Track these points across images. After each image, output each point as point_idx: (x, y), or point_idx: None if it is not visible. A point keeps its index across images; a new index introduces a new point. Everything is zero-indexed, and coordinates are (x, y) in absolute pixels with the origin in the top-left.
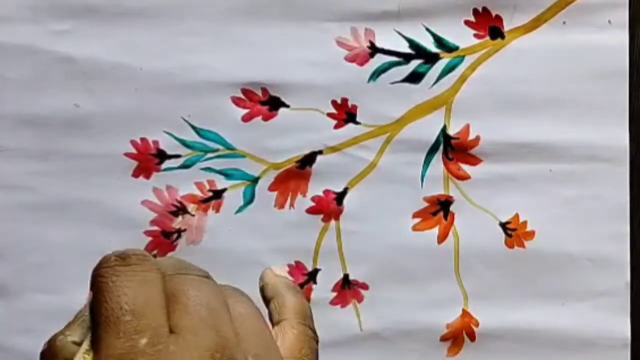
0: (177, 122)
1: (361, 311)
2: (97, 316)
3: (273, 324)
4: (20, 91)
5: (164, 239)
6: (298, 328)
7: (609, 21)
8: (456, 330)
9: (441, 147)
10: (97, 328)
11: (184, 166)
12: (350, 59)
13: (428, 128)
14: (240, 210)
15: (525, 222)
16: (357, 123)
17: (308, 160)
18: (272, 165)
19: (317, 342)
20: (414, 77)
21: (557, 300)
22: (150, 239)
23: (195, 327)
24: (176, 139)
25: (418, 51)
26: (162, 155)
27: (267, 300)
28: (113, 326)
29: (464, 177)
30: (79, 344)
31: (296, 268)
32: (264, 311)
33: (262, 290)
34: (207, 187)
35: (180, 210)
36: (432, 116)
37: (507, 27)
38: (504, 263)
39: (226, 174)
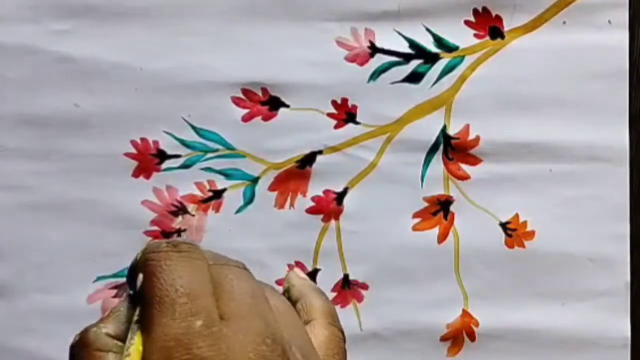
0: (177, 122)
1: (361, 311)
2: (150, 298)
3: None
4: (20, 91)
5: (164, 239)
6: (328, 329)
7: (609, 21)
8: (456, 330)
9: (441, 147)
10: (149, 309)
11: (184, 166)
12: (350, 59)
13: (428, 128)
14: (240, 210)
15: (525, 222)
16: (357, 123)
17: (308, 160)
18: (272, 165)
19: (344, 342)
20: (414, 77)
21: (557, 300)
22: (150, 239)
23: (243, 313)
24: (176, 139)
25: (418, 51)
26: (162, 155)
27: (293, 302)
28: (169, 307)
29: (464, 177)
30: (113, 337)
31: (296, 268)
32: None
33: (288, 291)
34: (207, 187)
35: (180, 210)
36: (432, 116)
37: (507, 27)
38: (504, 263)
39: (226, 174)
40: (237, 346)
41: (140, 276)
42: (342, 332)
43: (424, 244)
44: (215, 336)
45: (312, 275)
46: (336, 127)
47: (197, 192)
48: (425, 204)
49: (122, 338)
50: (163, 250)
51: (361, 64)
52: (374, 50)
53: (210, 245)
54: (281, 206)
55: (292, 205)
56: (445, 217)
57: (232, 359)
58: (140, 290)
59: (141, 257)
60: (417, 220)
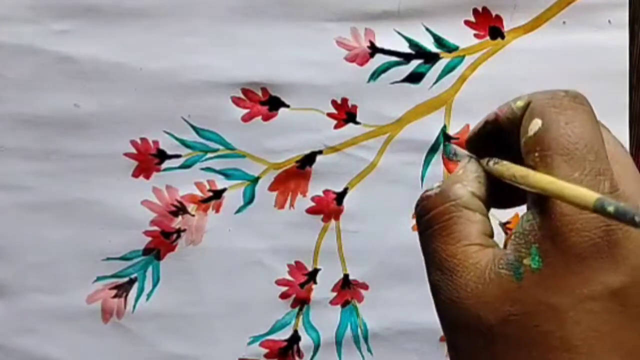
0: (177, 122)
1: (361, 311)
2: (555, 147)
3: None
4: (20, 91)
5: (164, 239)
6: None
7: (609, 21)
8: None
9: (441, 147)
10: (555, 158)
11: (184, 166)
12: (350, 59)
13: (428, 128)
14: (240, 210)
15: None
16: (357, 123)
17: (308, 160)
18: (272, 165)
19: None
20: (414, 77)
21: None
22: (150, 239)
23: (629, 175)
24: (176, 139)
25: (418, 51)
26: (162, 155)
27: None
28: (579, 161)
29: None
30: (476, 196)
31: (296, 268)
32: None
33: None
34: (207, 187)
35: (180, 210)
36: (432, 116)
37: (507, 27)
38: None
39: (226, 174)
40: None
41: (538, 121)
42: None
43: None
44: (619, 199)
45: (312, 275)
46: (336, 127)
47: (197, 192)
48: None
49: (483, 199)
50: (564, 100)
51: (361, 64)
52: (374, 50)
53: (210, 245)
54: (281, 206)
55: (292, 205)
56: None
57: None
58: (534, 136)
59: (536, 102)
60: None
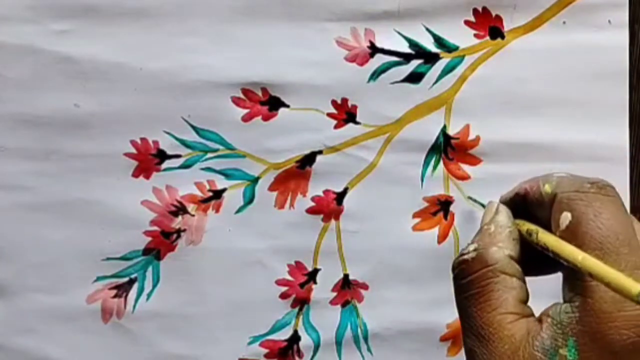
0: (177, 122)
1: (361, 311)
2: (588, 240)
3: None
4: (20, 91)
5: (164, 239)
6: None
7: (609, 21)
8: (456, 330)
9: (441, 147)
10: (587, 250)
11: (184, 166)
12: (350, 59)
13: (428, 128)
14: (240, 210)
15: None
16: (357, 123)
17: (308, 160)
18: (272, 165)
19: None
20: (414, 77)
21: (556, 300)
22: (150, 239)
23: None
24: (176, 139)
25: (418, 51)
26: (162, 155)
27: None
28: (612, 255)
29: (464, 177)
30: (512, 259)
31: (296, 268)
32: None
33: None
34: (207, 187)
35: (180, 210)
36: (432, 116)
37: (507, 27)
38: None
39: (226, 174)
40: None
41: (568, 215)
42: None
43: (424, 244)
44: None
45: (312, 275)
46: (336, 127)
47: (197, 192)
48: (425, 204)
49: (518, 260)
50: (590, 192)
51: (361, 64)
52: (374, 50)
53: (210, 245)
54: (281, 206)
55: (292, 205)
56: (445, 217)
57: None
58: (567, 230)
59: (561, 195)
60: (417, 220)
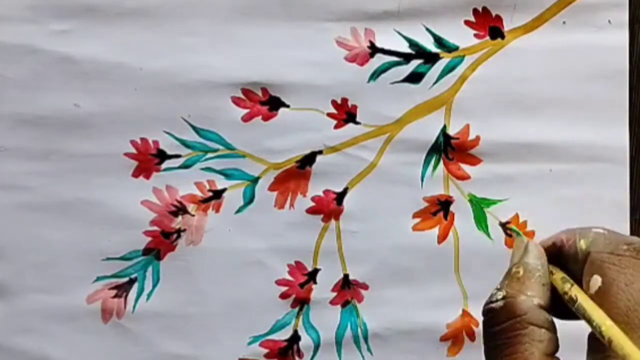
0: (177, 122)
1: (361, 311)
2: (614, 309)
3: None
4: (20, 91)
5: (164, 239)
6: None
7: (609, 21)
8: (456, 330)
9: (441, 147)
10: (613, 318)
11: (184, 166)
12: (350, 59)
13: (428, 128)
14: (240, 210)
15: (525, 222)
16: (357, 123)
17: (308, 160)
18: (272, 165)
19: None
20: (414, 77)
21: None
22: (150, 239)
23: None
24: (176, 139)
25: (418, 51)
26: (162, 155)
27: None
28: (638, 331)
29: (464, 177)
30: (544, 309)
31: (296, 268)
32: None
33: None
34: (207, 187)
35: (180, 210)
36: (432, 116)
37: (507, 27)
38: (504, 263)
39: (226, 174)
40: None
41: (598, 279)
42: None
43: (424, 244)
44: None
45: (312, 275)
46: (336, 127)
47: (197, 192)
48: (425, 204)
49: (549, 309)
50: (625, 255)
51: (361, 64)
52: (374, 50)
53: (210, 245)
54: (281, 206)
55: (292, 205)
56: (445, 217)
57: None
58: (596, 295)
59: (595, 255)
60: (417, 220)
